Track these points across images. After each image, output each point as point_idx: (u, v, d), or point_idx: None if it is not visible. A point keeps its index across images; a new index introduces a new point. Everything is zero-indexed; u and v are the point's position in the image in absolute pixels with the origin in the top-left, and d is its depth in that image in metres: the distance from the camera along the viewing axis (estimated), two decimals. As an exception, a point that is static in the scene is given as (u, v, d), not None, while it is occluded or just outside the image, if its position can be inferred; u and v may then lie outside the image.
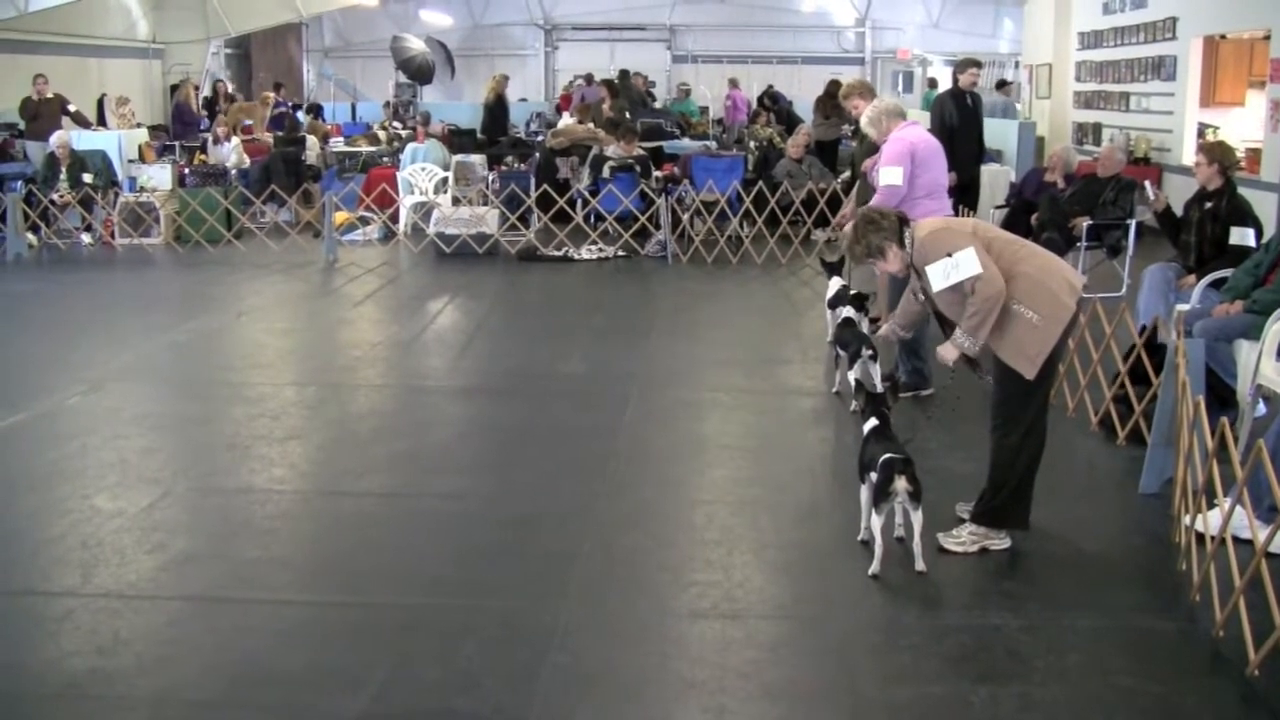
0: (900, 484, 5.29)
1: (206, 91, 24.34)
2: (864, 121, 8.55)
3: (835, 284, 9.40)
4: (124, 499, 6.42)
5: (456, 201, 16.09)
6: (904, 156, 7.97)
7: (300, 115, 23.41)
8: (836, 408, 8.12)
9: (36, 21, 18.76)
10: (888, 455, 5.38)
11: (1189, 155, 15.06)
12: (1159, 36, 17.02)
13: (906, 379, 8.26)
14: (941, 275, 5.47)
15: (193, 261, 14.48)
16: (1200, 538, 5.27)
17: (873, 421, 5.76)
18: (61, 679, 4.58)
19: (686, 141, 20.44)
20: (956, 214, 10.33)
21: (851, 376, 7.80)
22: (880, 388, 6.74)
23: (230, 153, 17.97)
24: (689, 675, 4.62)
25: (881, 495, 5.33)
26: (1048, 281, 5.49)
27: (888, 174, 8.10)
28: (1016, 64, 26.23)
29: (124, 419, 7.95)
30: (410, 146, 17.65)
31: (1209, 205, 8.96)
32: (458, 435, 7.90)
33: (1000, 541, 5.70)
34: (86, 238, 15.72)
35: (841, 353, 8.17)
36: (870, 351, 7.83)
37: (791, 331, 10.69)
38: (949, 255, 5.42)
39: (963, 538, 5.73)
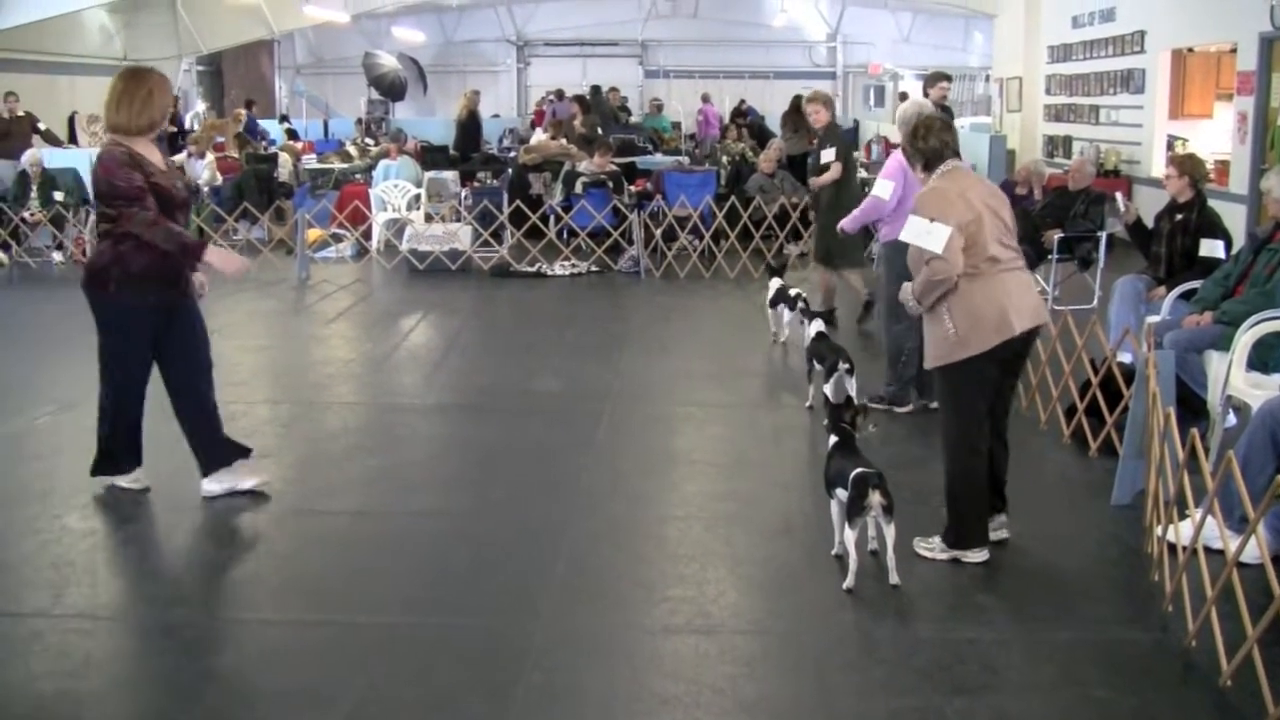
0: (874, 498, 5.29)
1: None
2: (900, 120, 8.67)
3: (775, 284, 10.31)
4: (95, 519, 6.39)
5: (429, 218, 16.07)
6: (896, 174, 8.23)
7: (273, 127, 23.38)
8: (810, 422, 8.13)
9: (7, 39, 18.66)
10: (860, 470, 5.39)
11: (1158, 167, 15.19)
12: (1128, 50, 17.15)
13: (886, 393, 8.28)
14: (913, 231, 5.58)
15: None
16: (1172, 548, 5.29)
17: (834, 437, 5.78)
18: (30, 701, 4.54)
19: (659, 157, 20.49)
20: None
21: (827, 390, 7.82)
22: (859, 400, 6.76)
23: (203, 170, 17.92)
24: (664, 691, 4.61)
25: (856, 510, 5.34)
26: (985, 308, 5.53)
27: (879, 186, 8.42)
28: (987, 77, 26.38)
29: (95, 438, 7.87)
30: (383, 163, 17.62)
31: (1179, 217, 9.02)
32: (431, 453, 7.88)
33: (976, 555, 5.71)
34: (58, 256, 15.65)
35: (818, 366, 8.19)
36: (846, 365, 7.86)
37: (765, 346, 10.70)
38: (932, 219, 5.50)
39: (933, 545, 5.79)
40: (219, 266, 6.46)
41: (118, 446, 6.74)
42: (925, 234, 5.50)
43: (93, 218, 15.70)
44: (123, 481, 6.77)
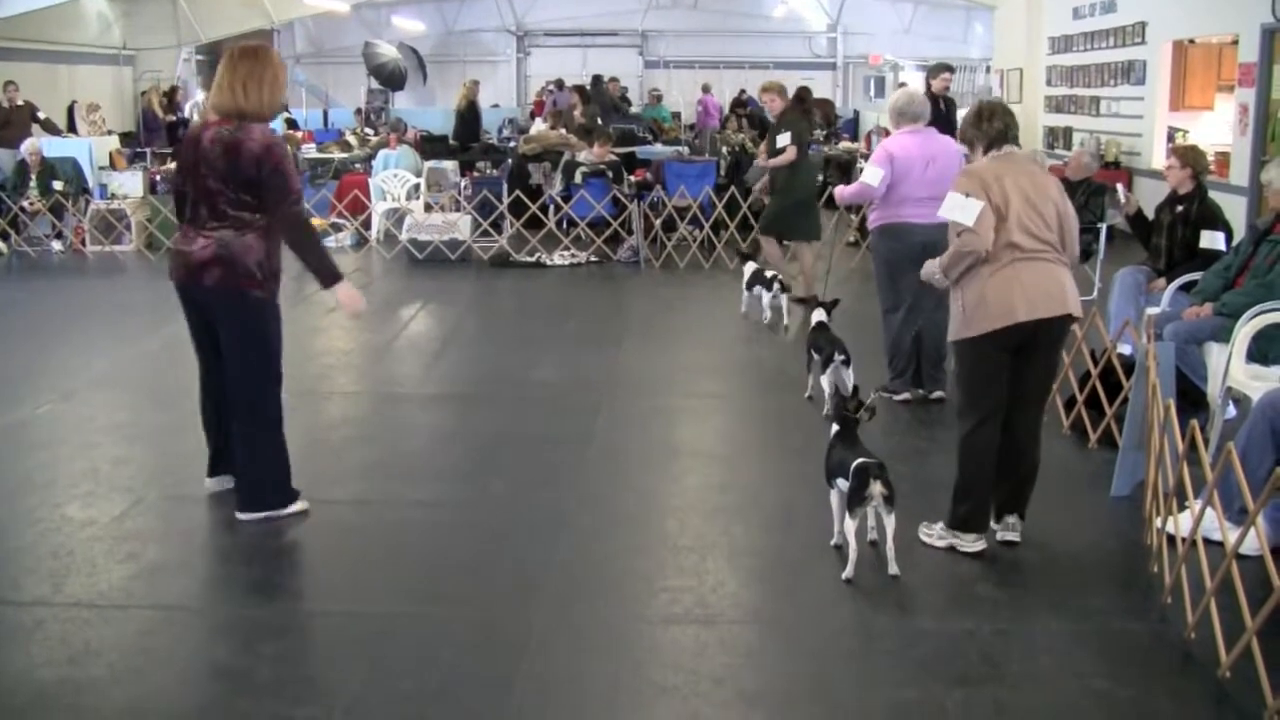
0: (875, 488, 5.29)
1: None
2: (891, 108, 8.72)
3: (749, 268, 11.23)
4: (95, 508, 6.38)
5: (429, 208, 16.06)
6: (883, 162, 8.20)
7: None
8: (809, 412, 8.13)
9: (6, 28, 18.68)
10: (861, 460, 5.39)
11: (1159, 159, 15.18)
12: (1128, 41, 17.12)
13: (889, 383, 8.29)
14: (948, 206, 5.67)
15: (164, 269, 14.28)
16: (1172, 540, 5.30)
17: (835, 426, 5.79)
18: (32, 689, 4.55)
19: (659, 147, 20.45)
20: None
21: (824, 381, 7.83)
22: (859, 392, 6.76)
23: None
24: (663, 681, 4.61)
25: (856, 500, 5.34)
26: (991, 293, 5.57)
27: (867, 172, 8.40)
28: (988, 69, 26.35)
29: (96, 428, 7.90)
30: (382, 153, 17.61)
31: (1180, 209, 9.02)
32: (430, 443, 7.88)
33: (972, 544, 5.72)
34: (57, 245, 15.66)
35: (816, 357, 8.20)
36: (843, 357, 7.87)
37: (764, 336, 10.70)
38: (967, 195, 5.57)
39: (934, 532, 5.82)
40: (344, 303, 6.19)
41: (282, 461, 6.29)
42: (959, 208, 5.57)
43: (93, 206, 15.76)
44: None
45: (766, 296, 10.90)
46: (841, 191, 9.09)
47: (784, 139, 11.80)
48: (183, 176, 6.02)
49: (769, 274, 10.96)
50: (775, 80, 12.60)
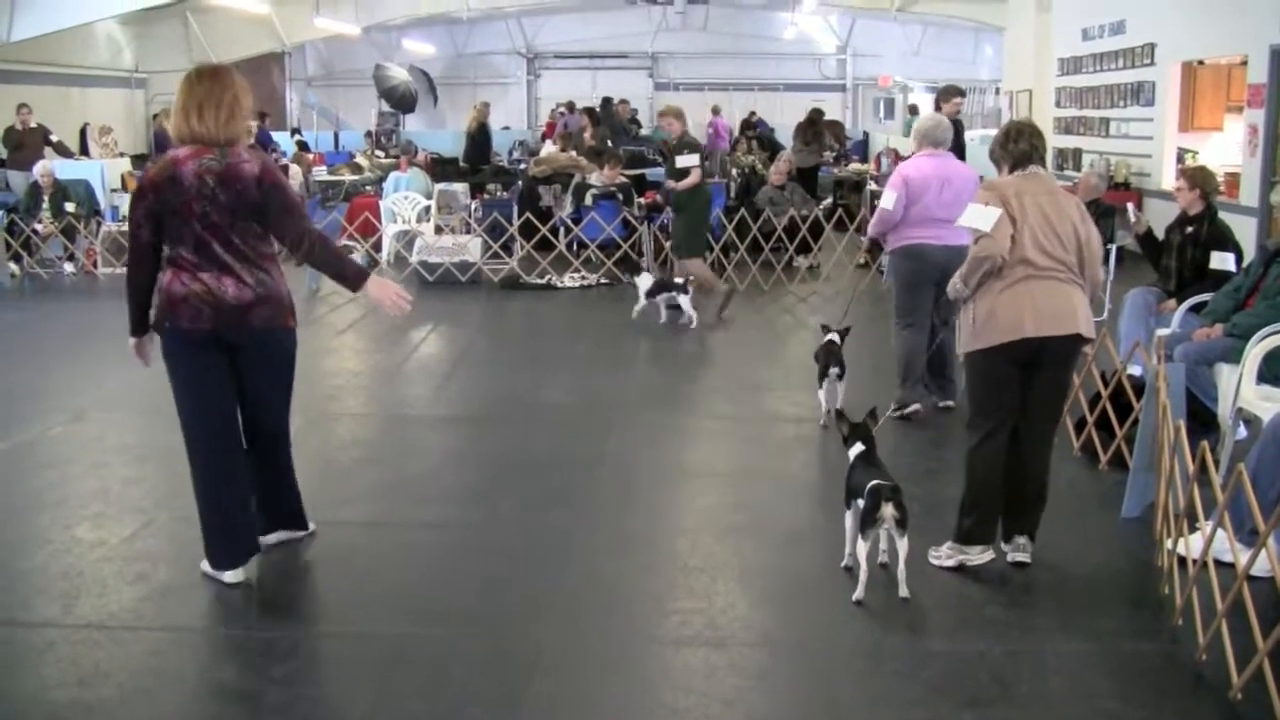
0: (887, 510, 5.29)
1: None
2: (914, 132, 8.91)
3: (644, 279, 12.11)
4: (106, 529, 6.39)
5: (439, 230, 16.10)
6: (898, 185, 8.33)
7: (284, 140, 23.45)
8: (819, 434, 8.12)
9: (20, 51, 18.79)
10: (875, 482, 5.39)
11: (1168, 180, 15.17)
12: (1138, 62, 17.14)
13: (896, 397, 8.30)
14: (967, 215, 5.75)
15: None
16: (1183, 561, 5.28)
17: (858, 447, 5.79)
18: (43, 711, 4.55)
19: (669, 169, 20.48)
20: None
21: (822, 396, 7.89)
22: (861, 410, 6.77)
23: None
24: (673, 703, 4.60)
25: (868, 521, 5.34)
26: (1001, 307, 5.61)
27: (885, 197, 8.49)
28: (997, 90, 26.38)
29: (106, 448, 7.92)
30: (393, 175, 17.67)
31: (1190, 230, 9.00)
32: (441, 464, 7.89)
33: (979, 556, 5.72)
34: (69, 267, 15.71)
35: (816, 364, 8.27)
36: (836, 370, 7.95)
37: (774, 358, 10.70)
38: (986, 204, 5.63)
39: (941, 554, 5.82)
40: (378, 298, 5.83)
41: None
42: (978, 216, 5.64)
43: (104, 229, 15.83)
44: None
45: (685, 299, 11.74)
46: (870, 226, 9.15)
47: (686, 160, 12.10)
48: (155, 221, 5.38)
49: (678, 280, 11.92)
50: (673, 105, 13.09)
